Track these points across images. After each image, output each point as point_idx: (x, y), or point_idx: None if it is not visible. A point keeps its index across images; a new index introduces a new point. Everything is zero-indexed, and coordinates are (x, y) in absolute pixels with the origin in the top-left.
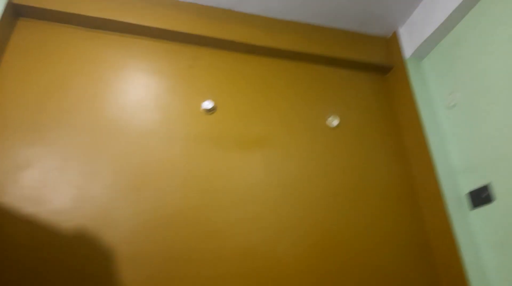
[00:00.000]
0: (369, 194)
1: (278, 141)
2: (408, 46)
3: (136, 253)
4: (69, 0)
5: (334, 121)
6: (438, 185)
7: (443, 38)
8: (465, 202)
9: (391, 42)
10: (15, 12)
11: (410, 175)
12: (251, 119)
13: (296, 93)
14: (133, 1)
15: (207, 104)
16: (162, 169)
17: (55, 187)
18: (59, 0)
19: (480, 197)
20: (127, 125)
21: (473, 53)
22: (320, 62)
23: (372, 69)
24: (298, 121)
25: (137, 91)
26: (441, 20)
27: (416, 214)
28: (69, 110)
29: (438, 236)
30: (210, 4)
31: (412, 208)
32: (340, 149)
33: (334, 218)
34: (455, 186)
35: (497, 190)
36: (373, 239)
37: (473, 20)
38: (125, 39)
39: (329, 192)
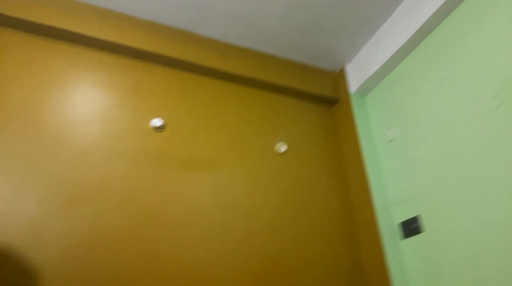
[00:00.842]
0: (310, 221)
1: (226, 164)
2: (354, 82)
3: (69, 275)
4: (18, 4)
5: (282, 148)
6: (374, 215)
7: (385, 77)
8: (398, 232)
9: (339, 77)
10: None
11: (350, 204)
12: (200, 141)
13: (246, 118)
14: (88, 12)
15: (156, 122)
16: (102, 187)
17: None
18: (7, 4)
19: (411, 228)
20: (68, 137)
21: (409, 92)
22: (272, 90)
23: (320, 101)
24: (247, 145)
25: (83, 103)
26: (383, 61)
27: (354, 242)
28: (4, 117)
29: (372, 264)
30: (167, 23)
31: (350, 236)
32: (285, 175)
33: (275, 244)
34: (389, 217)
35: (425, 222)
36: (312, 265)
37: (410, 63)
38: (75, 49)
39: (272, 217)
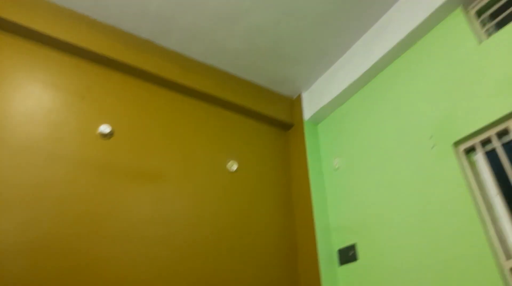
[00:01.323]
0: (252, 241)
1: (172, 178)
2: (308, 109)
3: None
4: None
5: (233, 166)
6: (314, 240)
7: (337, 108)
8: (335, 259)
9: (295, 103)
10: None
11: (293, 228)
12: (148, 152)
13: (201, 133)
14: (45, 8)
15: (104, 129)
16: (37, 191)
17: None
18: None
19: (348, 255)
20: (6, 136)
21: (357, 125)
22: (229, 109)
23: (275, 124)
24: (198, 161)
25: (27, 102)
26: (336, 93)
27: (292, 265)
28: None
29: None
30: (130, 31)
31: (289, 259)
32: (233, 194)
33: (215, 262)
34: (328, 243)
35: (360, 250)
36: (248, 284)
37: (361, 98)
38: (27, 45)
39: (214, 235)
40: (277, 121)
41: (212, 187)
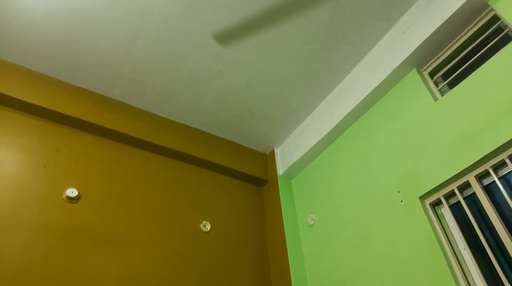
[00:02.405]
0: None
1: (141, 241)
2: (281, 165)
3: None
4: None
5: (207, 226)
6: None
7: (308, 164)
8: None
9: (269, 159)
10: None
11: None
12: (117, 214)
13: (173, 192)
14: (15, 72)
15: (71, 192)
16: None
17: None
18: None
19: None
20: None
21: (328, 180)
22: (203, 166)
23: (250, 180)
24: (170, 222)
25: None
26: (307, 149)
27: None
28: None
29: None
30: (102, 93)
31: None
32: (207, 256)
33: None
34: None
35: None
36: None
37: (330, 153)
38: None
39: None
40: (251, 177)
41: (184, 249)
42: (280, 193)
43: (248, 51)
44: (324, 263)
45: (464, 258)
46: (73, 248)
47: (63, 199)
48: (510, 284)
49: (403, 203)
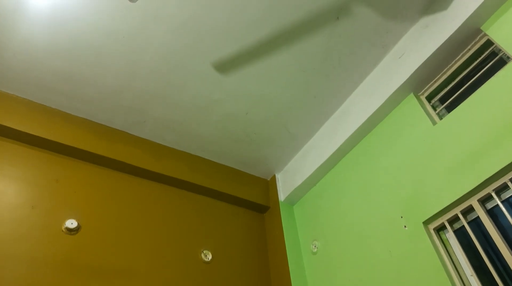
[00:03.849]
0: None
1: (142, 273)
2: (283, 191)
3: None
4: None
5: (208, 256)
6: None
7: (310, 189)
8: None
9: (271, 185)
10: None
11: None
12: (116, 246)
13: (173, 221)
14: (15, 103)
15: (70, 223)
16: None
17: None
18: None
19: None
20: None
21: (331, 206)
22: (204, 193)
23: (251, 207)
24: (170, 252)
25: None
26: (308, 174)
27: None
28: None
29: None
30: (103, 123)
31: None
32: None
33: None
34: None
35: None
36: None
37: (332, 178)
38: None
39: None
40: (252, 204)
41: (184, 281)
42: (282, 219)
43: (247, 79)
44: None
45: (471, 284)
46: (72, 281)
47: (62, 230)
48: None
49: (406, 228)
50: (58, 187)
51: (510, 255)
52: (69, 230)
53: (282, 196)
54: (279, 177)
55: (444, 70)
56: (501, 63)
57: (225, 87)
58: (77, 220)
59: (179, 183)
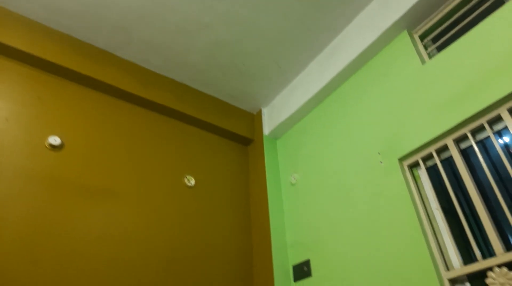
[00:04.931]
0: (209, 258)
1: (126, 194)
2: (268, 125)
3: None
4: None
5: (191, 181)
6: (271, 257)
7: (295, 125)
8: (290, 274)
9: (256, 119)
10: None
11: (250, 244)
12: (101, 166)
13: (158, 147)
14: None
15: (54, 140)
16: None
17: None
18: None
19: (302, 271)
20: None
21: (313, 141)
22: (189, 122)
23: (236, 139)
24: (154, 176)
25: None
26: (294, 109)
27: (249, 283)
28: None
29: None
30: (86, 41)
31: (245, 275)
32: (191, 210)
33: (171, 279)
34: (284, 259)
35: (313, 266)
36: None
37: (316, 115)
38: None
39: (170, 253)
40: (237, 136)
41: (168, 203)
42: (265, 152)
43: (240, 3)
44: (303, 219)
45: (436, 217)
46: (57, 197)
47: (45, 146)
48: (477, 242)
49: (382, 164)
50: (40, 104)
51: (475, 192)
52: (53, 146)
53: (266, 130)
54: (265, 111)
55: (441, 8)
56: (499, 3)
57: (216, 10)
58: (60, 137)
59: (165, 110)
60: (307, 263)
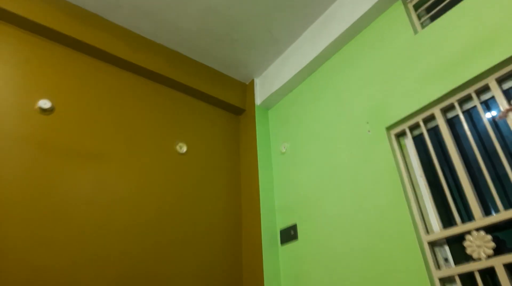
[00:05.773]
0: (198, 223)
1: (116, 158)
2: (260, 95)
3: None
4: None
5: (183, 148)
6: (259, 222)
7: (286, 95)
8: (277, 238)
9: (248, 88)
10: None
11: (239, 209)
12: (91, 130)
13: (149, 113)
14: None
15: (44, 103)
16: None
17: None
18: None
19: (289, 234)
20: None
21: (304, 111)
22: (181, 90)
23: (228, 108)
24: (145, 141)
25: None
26: (286, 79)
27: (236, 246)
28: None
29: (250, 266)
30: (75, 3)
31: (234, 239)
32: (182, 176)
33: (159, 243)
34: (272, 223)
35: (300, 230)
36: (192, 266)
37: (308, 85)
38: None
39: (160, 217)
40: (229, 105)
41: (159, 168)
42: (256, 122)
43: None
44: (292, 186)
45: (419, 184)
46: (47, 160)
47: (35, 110)
48: (457, 209)
49: (370, 133)
50: (28, 67)
51: (458, 160)
52: (43, 110)
53: (258, 100)
54: (257, 81)
55: None
56: None
57: None
58: (50, 101)
59: (156, 77)
60: (294, 227)
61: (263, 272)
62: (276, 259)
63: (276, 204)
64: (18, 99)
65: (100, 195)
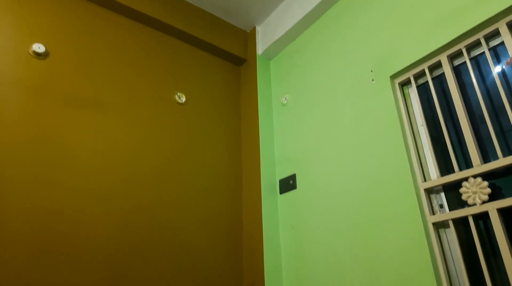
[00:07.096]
0: (198, 173)
1: (115, 106)
2: (262, 44)
3: None
4: None
5: (182, 98)
6: (259, 172)
7: (288, 44)
8: (276, 188)
9: (250, 37)
10: None
11: (239, 160)
12: (88, 77)
13: (147, 61)
14: None
15: (38, 47)
16: None
17: None
18: None
19: (288, 184)
20: None
21: (306, 61)
22: (180, 37)
23: (228, 59)
24: (143, 90)
25: None
26: (288, 27)
27: (237, 195)
28: None
29: (250, 215)
30: None
31: (234, 189)
32: (181, 125)
33: (160, 191)
34: (272, 174)
35: (299, 180)
36: (193, 216)
37: (311, 34)
38: None
39: (159, 166)
40: (230, 55)
41: (158, 117)
42: (257, 73)
43: None
44: (292, 137)
45: (420, 133)
46: (45, 105)
47: (29, 54)
48: (457, 159)
49: (374, 82)
50: (19, 8)
51: (462, 110)
52: (37, 54)
53: (260, 50)
54: (259, 29)
55: None
56: None
57: None
58: (44, 45)
59: (154, 22)
60: (293, 177)
61: (262, 220)
62: (275, 207)
63: (276, 155)
64: (11, 42)
65: (102, 141)
